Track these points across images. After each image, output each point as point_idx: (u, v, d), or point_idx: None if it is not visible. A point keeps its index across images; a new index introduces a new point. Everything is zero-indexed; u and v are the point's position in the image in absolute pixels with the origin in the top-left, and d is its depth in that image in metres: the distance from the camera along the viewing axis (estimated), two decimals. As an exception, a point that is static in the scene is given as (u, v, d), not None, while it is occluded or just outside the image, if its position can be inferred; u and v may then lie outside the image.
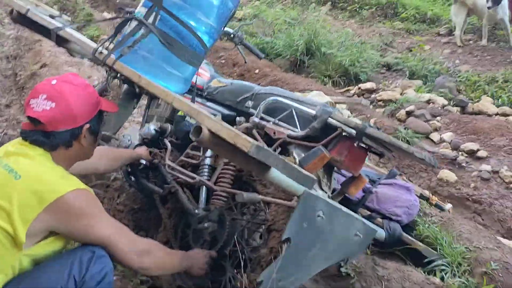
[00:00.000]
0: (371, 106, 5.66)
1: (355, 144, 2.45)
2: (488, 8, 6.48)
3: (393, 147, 2.30)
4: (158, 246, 2.14)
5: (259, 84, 4.23)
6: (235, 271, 2.62)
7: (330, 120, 2.48)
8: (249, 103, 2.96)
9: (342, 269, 2.73)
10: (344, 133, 2.46)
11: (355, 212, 3.04)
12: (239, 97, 3.01)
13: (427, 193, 3.29)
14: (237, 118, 2.86)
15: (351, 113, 4.99)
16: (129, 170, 2.91)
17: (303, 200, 2.25)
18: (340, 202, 2.92)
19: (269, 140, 2.60)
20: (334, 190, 2.79)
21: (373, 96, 5.82)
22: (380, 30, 8.27)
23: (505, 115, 5.28)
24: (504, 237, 3.69)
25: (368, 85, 5.95)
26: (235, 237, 2.63)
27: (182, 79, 2.59)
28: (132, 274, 2.65)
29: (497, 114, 5.32)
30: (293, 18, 7.63)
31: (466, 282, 2.79)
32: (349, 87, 6.17)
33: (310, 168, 2.43)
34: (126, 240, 1.90)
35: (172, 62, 2.49)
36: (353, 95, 5.96)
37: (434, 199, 3.25)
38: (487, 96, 5.52)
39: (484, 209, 3.88)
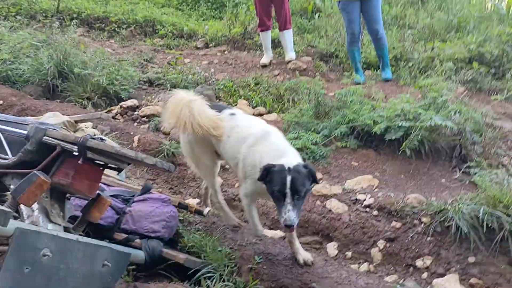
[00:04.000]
0: (135, 123, 5.42)
1: (82, 162, 2.12)
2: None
3: (121, 156, 2.06)
4: None
5: None
6: None
7: (45, 138, 2.10)
8: None
9: (100, 307, 2.39)
10: (66, 151, 2.11)
11: (111, 238, 2.72)
12: None
13: (185, 202, 3.18)
14: None
15: (108, 133, 4.66)
16: None
17: (17, 239, 1.82)
18: (91, 231, 2.55)
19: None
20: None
21: (136, 113, 5.58)
22: (141, 47, 8.13)
23: (260, 114, 5.65)
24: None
25: (130, 102, 5.71)
26: None
27: None
28: None
29: (253, 114, 5.66)
30: (41, 40, 6.91)
31: (233, 284, 2.73)
32: (111, 107, 5.82)
33: (28, 199, 2.00)
34: None
35: None
36: (116, 115, 5.63)
37: (194, 206, 3.15)
38: (242, 99, 5.83)
39: (250, 206, 3.98)
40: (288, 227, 2.51)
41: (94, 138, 2.04)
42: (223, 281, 2.74)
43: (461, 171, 4.11)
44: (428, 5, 9.37)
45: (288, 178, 2.49)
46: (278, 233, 3.65)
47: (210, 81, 6.32)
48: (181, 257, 2.69)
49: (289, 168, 2.54)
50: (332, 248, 3.54)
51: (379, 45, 6.23)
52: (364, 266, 3.42)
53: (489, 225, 3.11)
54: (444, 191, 3.87)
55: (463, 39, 7.08)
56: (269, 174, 2.56)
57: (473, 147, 4.30)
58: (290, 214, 2.45)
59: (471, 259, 3.19)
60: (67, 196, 2.31)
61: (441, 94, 4.48)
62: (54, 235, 1.95)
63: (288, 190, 2.48)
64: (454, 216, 3.24)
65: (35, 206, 2.14)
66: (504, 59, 6.44)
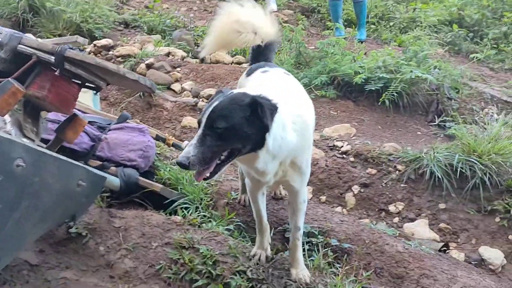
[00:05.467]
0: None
1: (59, 75, 2.01)
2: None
3: (102, 70, 1.96)
4: None
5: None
6: None
7: (20, 47, 1.98)
8: None
9: (72, 230, 2.33)
10: (42, 61, 2.00)
11: (85, 164, 2.63)
12: None
13: (163, 134, 3.10)
14: None
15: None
16: None
17: (-10, 145, 1.72)
18: (64, 156, 2.44)
19: None
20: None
21: (111, 53, 5.38)
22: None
23: (239, 63, 5.55)
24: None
25: (105, 41, 5.49)
26: None
27: None
28: None
29: (232, 62, 5.55)
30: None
31: (209, 215, 2.71)
32: (84, 46, 5.57)
33: (1, 107, 1.90)
34: None
35: None
36: (89, 54, 5.41)
37: (171, 139, 3.09)
38: (222, 46, 5.69)
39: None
40: (180, 166, 1.71)
41: (72, 49, 1.94)
42: (199, 212, 2.71)
43: (433, 125, 4.17)
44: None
45: (213, 104, 1.76)
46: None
47: (189, 27, 6.13)
48: (157, 185, 2.64)
49: (221, 91, 1.88)
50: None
51: (358, 1, 6.12)
52: (338, 210, 3.47)
53: (463, 172, 3.18)
54: (419, 142, 3.92)
55: (444, 2, 7.07)
56: None
57: (450, 103, 4.35)
58: (188, 150, 1.69)
59: (442, 206, 3.27)
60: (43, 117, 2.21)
61: (422, 49, 4.47)
62: (28, 146, 1.86)
63: (203, 119, 1.73)
64: (429, 163, 3.29)
65: (7, 118, 2.04)
66: (483, 23, 6.49)
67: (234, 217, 2.76)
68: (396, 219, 3.31)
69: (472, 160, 3.18)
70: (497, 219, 3.10)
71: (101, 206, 2.48)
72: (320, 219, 2.76)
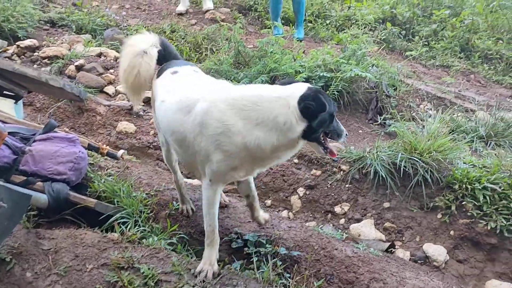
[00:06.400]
0: (35, 65, 4.85)
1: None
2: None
3: (20, 77, 1.73)
4: None
5: None
6: None
7: None
8: None
9: (-6, 256, 2.08)
10: None
11: (8, 181, 2.37)
12: None
13: (96, 143, 2.87)
14: None
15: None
16: None
17: None
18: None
19: None
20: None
21: (36, 54, 5.00)
22: (41, -14, 7.29)
23: (176, 63, 5.34)
24: (188, 177, 3.64)
25: (29, 42, 5.08)
26: None
27: None
28: None
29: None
30: None
31: (149, 229, 2.53)
32: (6, 47, 5.15)
33: None
34: None
35: None
36: (12, 55, 4.99)
37: (105, 148, 2.86)
38: (158, 46, 5.46)
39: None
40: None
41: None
42: (139, 226, 2.53)
43: (374, 123, 4.20)
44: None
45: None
46: (196, 182, 3.47)
47: (122, 26, 5.83)
48: (91, 200, 2.42)
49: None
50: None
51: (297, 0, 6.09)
52: (284, 213, 3.39)
53: (406, 171, 3.20)
54: (361, 141, 3.93)
55: (377, 0, 7.22)
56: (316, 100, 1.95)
57: (388, 100, 4.40)
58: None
59: (386, 205, 3.28)
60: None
61: (360, 47, 4.50)
62: None
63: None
64: (373, 163, 3.29)
65: None
66: (414, 21, 6.69)
67: (177, 229, 2.60)
68: (342, 220, 3.28)
69: (414, 158, 3.20)
70: (439, 215, 3.14)
71: (27, 227, 2.24)
72: (267, 226, 2.66)
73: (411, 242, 3.13)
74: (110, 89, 4.40)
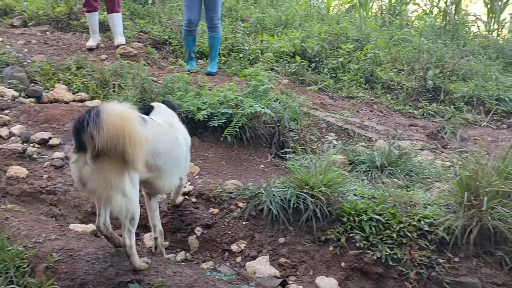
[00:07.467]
0: None
1: None
2: None
3: None
4: None
5: None
6: None
7: None
8: None
9: None
10: None
11: None
12: None
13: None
14: None
15: None
16: None
17: None
18: None
19: None
20: None
21: None
22: None
23: (82, 100, 5.21)
24: (83, 222, 3.51)
25: None
26: None
27: None
28: None
29: (74, 100, 5.20)
30: None
31: (23, 287, 2.39)
32: None
33: None
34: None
35: None
36: None
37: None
38: (62, 83, 5.31)
39: (60, 199, 3.61)
40: None
41: None
42: (12, 283, 2.39)
43: (276, 157, 4.30)
44: (261, 1, 9.77)
45: None
46: (90, 227, 3.35)
47: (24, 63, 5.61)
48: (-51, 261, 2.26)
49: None
50: (148, 238, 3.38)
51: (213, 35, 6.17)
52: (181, 255, 3.35)
53: (297, 206, 3.27)
54: (262, 176, 3.99)
55: (289, 35, 7.49)
56: None
57: (290, 134, 4.52)
58: None
59: (281, 240, 3.32)
60: None
61: (262, 83, 4.62)
62: None
63: None
64: (266, 199, 3.34)
65: None
66: (323, 54, 6.99)
67: (55, 283, 2.48)
68: (239, 258, 3.28)
69: (304, 193, 3.29)
70: (331, 248, 3.22)
71: None
72: (150, 273, 2.60)
73: (305, 276, 3.18)
74: (3, 131, 4.18)
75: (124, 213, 2.46)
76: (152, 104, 3.39)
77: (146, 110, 3.06)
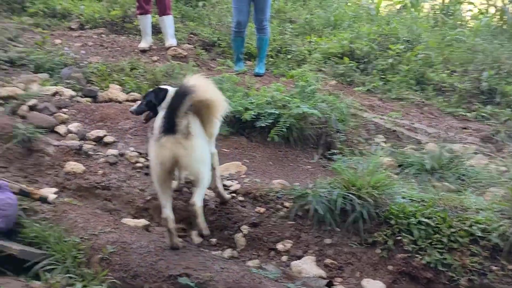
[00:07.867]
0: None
1: None
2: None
3: None
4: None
5: None
6: None
7: None
8: None
9: None
10: None
11: None
12: None
13: (27, 188, 2.87)
14: None
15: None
16: None
17: None
18: None
19: None
20: None
21: (-12, 95, 4.99)
22: (6, 25, 7.33)
23: (135, 100, 5.38)
24: (135, 217, 3.64)
25: (-16, 82, 5.09)
26: None
27: None
28: None
29: (127, 100, 5.39)
30: None
31: (79, 276, 2.52)
32: None
33: None
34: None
35: None
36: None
37: (36, 192, 2.87)
38: (116, 84, 5.52)
39: (114, 194, 3.76)
40: None
41: None
42: (68, 272, 2.52)
43: (323, 158, 4.29)
44: (309, 2, 9.74)
45: None
46: (142, 222, 3.48)
47: (81, 64, 5.88)
48: (14, 248, 2.41)
49: None
50: (196, 235, 3.46)
51: (261, 36, 6.24)
52: (228, 252, 3.40)
53: (343, 207, 3.25)
54: (308, 177, 3.99)
55: (337, 36, 7.43)
56: None
57: (337, 135, 4.50)
58: None
59: (327, 241, 3.32)
60: None
61: (309, 84, 4.62)
62: None
63: None
64: (312, 200, 3.34)
65: None
66: (372, 55, 6.89)
67: (109, 274, 2.60)
68: (284, 258, 3.30)
69: (351, 194, 3.27)
70: (378, 251, 3.19)
71: None
72: (199, 268, 2.67)
73: (351, 278, 3.16)
74: (61, 129, 4.40)
75: (206, 179, 3.00)
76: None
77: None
